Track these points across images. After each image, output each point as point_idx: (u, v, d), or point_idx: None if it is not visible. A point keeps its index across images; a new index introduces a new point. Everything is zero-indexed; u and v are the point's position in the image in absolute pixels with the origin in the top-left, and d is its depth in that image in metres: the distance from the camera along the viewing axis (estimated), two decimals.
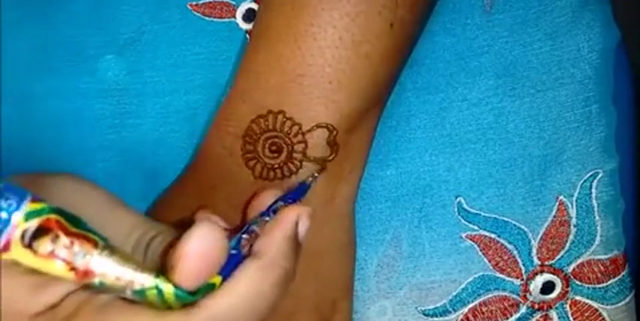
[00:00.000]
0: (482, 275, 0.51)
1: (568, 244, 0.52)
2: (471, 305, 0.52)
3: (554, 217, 0.52)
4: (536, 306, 0.52)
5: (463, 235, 0.51)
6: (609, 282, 0.52)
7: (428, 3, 0.47)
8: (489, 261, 0.51)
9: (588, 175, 0.52)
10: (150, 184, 0.51)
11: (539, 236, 0.52)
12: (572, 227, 0.52)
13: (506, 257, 0.51)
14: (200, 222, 0.34)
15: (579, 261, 0.52)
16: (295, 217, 0.40)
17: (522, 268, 0.51)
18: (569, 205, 0.52)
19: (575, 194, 0.52)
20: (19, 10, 0.51)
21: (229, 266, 0.36)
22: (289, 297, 0.46)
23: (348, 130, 0.45)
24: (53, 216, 0.33)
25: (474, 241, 0.51)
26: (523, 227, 0.51)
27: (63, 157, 0.51)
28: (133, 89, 0.51)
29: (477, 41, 0.51)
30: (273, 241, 0.38)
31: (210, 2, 0.51)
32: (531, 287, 0.52)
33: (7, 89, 0.50)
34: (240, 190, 0.46)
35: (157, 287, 0.34)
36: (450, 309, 0.52)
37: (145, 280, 0.34)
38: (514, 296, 0.52)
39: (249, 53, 0.47)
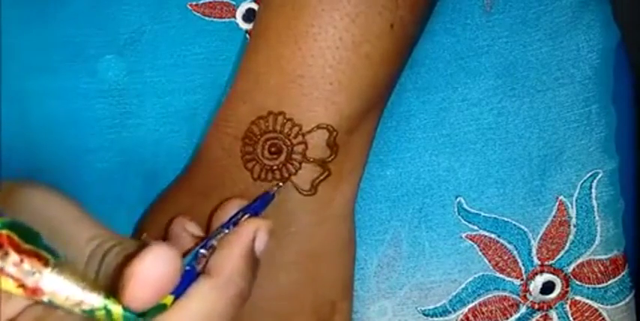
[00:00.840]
0: (482, 275, 0.52)
1: (568, 244, 0.52)
2: (470, 305, 0.52)
3: (554, 217, 0.52)
4: (536, 306, 0.52)
5: (463, 235, 0.51)
6: (609, 282, 0.52)
7: (428, 3, 0.47)
8: (489, 261, 0.51)
9: (588, 175, 0.52)
10: (149, 184, 0.51)
11: (539, 236, 0.52)
12: (572, 227, 0.52)
13: (506, 257, 0.51)
14: (155, 243, 0.34)
15: (579, 261, 0.52)
16: (253, 233, 0.39)
17: (522, 268, 0.52)
18: (569, 205, 0.52)
19: (575, 194, 0.52)
20: (19, 10, 0.50)
21: (183, 284, 0.36)
22: (288, 298, 0.46)
23: (348, 130, 0.45)
24: (5, 231, 0.33)
25: (473, 241, 0.51)
26: (523, 227, 0.51)
27: (63, 158, 0.51)
28: (133, 89, 0.51)
29: (476, 41, 0.51)
30: (229, 258, 0.38)
31: (210, 2, 0.51)
32: (531, 287, 0.52)
33: (7, 89, 0.50)
34: (238, 192, 0.46)
35: (105, 308, 0.34)
36: (450, 309, 0.52)
37: (94, 301, 0.34)
38: (514, 296, 0.52)
39: (249, 54, 0.47)
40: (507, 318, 0.52)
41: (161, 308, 0.35)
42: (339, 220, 0.47)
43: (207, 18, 0.51)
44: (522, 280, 0.52)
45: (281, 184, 0.45)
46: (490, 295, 0.52)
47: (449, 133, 0.51)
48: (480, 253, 0.51)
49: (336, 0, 0.43)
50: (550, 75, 0.52)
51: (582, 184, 0.52)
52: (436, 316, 0.52)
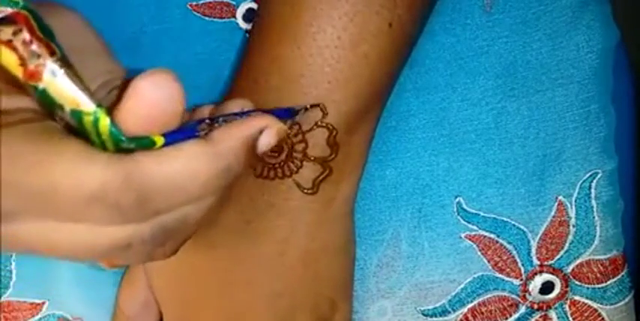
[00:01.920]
0: (482, 275, 0.52)
1: (567, 245, 0.52)
2: (470, 305, 0.52)
3: (554, 217, 0.52)
4: (536, 306, 0.52)
5: (462, 235, 0.51)
6: (608, 282, 0.52)
7: (427, 3, 0.47)
8: (489, 261, 0.51)
9: (587, 175, 0.52)
10: None
11: (539, 236, 0.52)
12: (571, 227, 0.52)
13: (505, 257, 0.51)
14: (168, 72, 0.34)
15: (578, 261, 0.52)
16: (262, 125, 0.38)
17: (522, 268, 0.52)
18: (569, 206, 0.52)
19: (575, 194, 0.52)
20: None
21: (178, 136, 0.35)
22: (288, 297, 0.46)
23: (348, 130, 0.45)
24: (24, 12, 0.32)
25: (473, 241, 0.51)
26: (522, 227, 0.51)
27: None
28: None
29: (476, 41, 0.51)
30: (230, 135, 0.37)
31: (210, 2, 0.51)
32: (530, 287, 0.52)
33: None
34: (238, 190, 0.46)
35: (94, 114, 0.33)
36: (450, 309, 0.52)
37: (86, 104, 0.33)
38: (513, 296, 0.52)
39: (248, 53, 0.47)
40: (507, 318, 0.52)
41: (149, 142, 0.34)
42: (340, 220, 0.47)
43: (207, 18, 0.51)
44: (522, 280, 0.52)
45: (308, 106, 0.45)
46: (489, 295, 0.52)
47: (448, 133, 0.51)
48: (479, 253, 0.51)
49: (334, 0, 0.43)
50: (550, 75, 0.52)
51: (582, 184, 0.52)
52: (435, 316, 0.52)
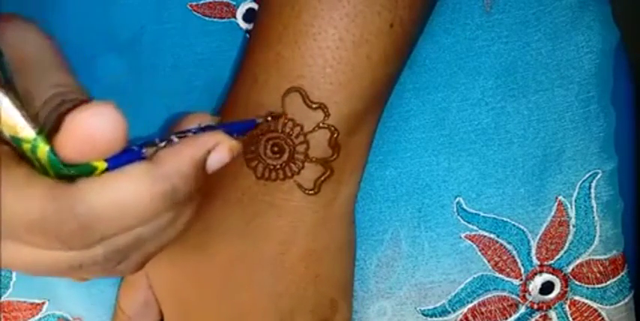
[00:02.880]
0: (482, 275, 0.52)
1: (567, 245, 0.52)
2: (470, 305, 0.52)
3: (554, 217, 0.52)
4: (536, 306, 0.52)
5: (462, 235, 0.51)
6: (608, 282, 0.52)
7: (427, 3, 0.47)
8: (488, 261, 0.51)
9: (587, 175, 0.52)
10: None
11: (539, 236, 0.52)
12: (571, 227, 0.52)
13: (505, 257, 0.51)
14: (107, 103, 0.34)
15: (578, 261, 0.52)
16: (211, 144, 0.38)
17: (521, 268, 0.52)
18: (569, 206, 0.52)
19: (575, 194, 0.52)
20: (18, 10, 0.50)
21: (123, 159, 0.35)
22: (289, 297, 0.46)
23: (349, 131, 0.45)
24: None
25: (473, 241, 0.51)
26: (522, 227, 0.52)
27: None
28: (133, 90, 0.51)
29: (476, 41, 0.51)
30: (176, 155, 0.37)
31: (210, 2, 0.51)
32: (530, 287, 0.52)
33: None
34: (240, 191, 0.46)
35: (33, 142, 0.33)
36: (449, 309, 0.52)
37: (25, 131, 0.33)
38: (513, 296, 0.52)
39: (249, 54, 0.47)
40: (506, 318, 0.52)
41: (89, 169, 0.34)
42: (341, 220, 0.47)
43: (207, 18, 0.51)
44: (521, 280, 0.52)
45: (269, 118, 0.45)
46: (489, 295, 0.52)
47: (448, 133, 0.51)
48: (479, 253, 0.51)
49: (335, 0, 0.43)
50: (549, 75, 0.52)
51: (581, 184, 0.52)
52: (435, 316, 0.52)
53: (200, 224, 0.47)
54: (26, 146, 0.33)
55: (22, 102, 0.34)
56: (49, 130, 0.35)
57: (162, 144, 0.38)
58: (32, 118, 0.34)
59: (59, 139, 0.33)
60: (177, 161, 0.37)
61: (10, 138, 0.34)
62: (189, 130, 0.39)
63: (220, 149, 0.38)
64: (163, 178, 0.36)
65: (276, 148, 0.45)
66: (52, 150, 0.33)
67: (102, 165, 0.34)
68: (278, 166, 0.45)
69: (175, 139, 0.38)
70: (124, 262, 0.39)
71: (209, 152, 0.38)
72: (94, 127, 0.33)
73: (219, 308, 0.48)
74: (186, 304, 0.49)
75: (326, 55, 0.44)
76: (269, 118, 0.45)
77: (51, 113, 0.37)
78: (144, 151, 0.36)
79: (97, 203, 0.34)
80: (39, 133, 0.33)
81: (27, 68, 0.37)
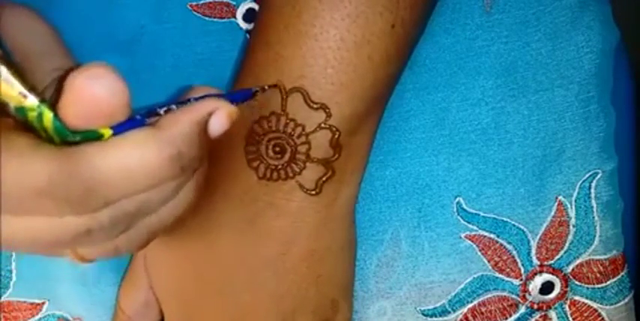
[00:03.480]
0: (482, 275, 0.52)
1: (567, 245, 0.52)
2: (470, 305, 0.52)
3: (554, 217, 0.52)
4: (536, 306, 0.52)
5: (462, 235, 0.51)
6: (608, 282, 0.53)
7: (428, 3, 0.47)
8: (488, 261, 0.51)
9: (587, 175, 0.52)
10: None
11: (539, 236, 0.52)
12: (571, 227, 0.52)
13: (505, 257, 0.51)
14: (104, 65, 0.34)
15: (578, 261, 0.52)
16: (210, 108, 0.38)
17: (521, 268, 0.52)
18: (569, 206, 0.52)
19: (575, 194, 0.52)
20: None
21: (127, 126, 0.35)
22: (291, 297, 0.46)
23: (350, 131, 0.45)
24: None
25: (473, 241, 0.51)
26: (522, 227, 0.52)
27: None
28: (133, 89, 0.51)
29: (476, 41, 0.51)
30: (177, 119, 0.37)
31: (210, 2, 0.51)
32: (530, 287, 0.52)
33: None
34: (241, 191, 0.46)
35: (37, 110, 0.33)
36: (449, 309, 0.52)
37: (29, 100, 0.33)
38: (513, 296, 0.52)
39: (249, 54, 0.47)
40: (506, 318, 0.52)
41: (95, 135, 0.34)
42: (342, 220, 0.47)
43: (207, 18, 0.51)
44: (521, 280, 0.52)
45: (267, 87, 0.45)
46: (489, 295, 0.52)
47: (448, 133, 0.51)
48: (479, 253, 0.51)
49: (336, 0, 0.43)
50: (549, 75, 0.52)
51: (581, 184, 0.52)
52: (435, 316, 0.52)
53: (202, 224, 0.47)
54: (31, 115, 0.33)
55: (23, 74, 0.34)
56: (52, 100, 0.35)
57: (163, 112, 0.38)
58: (34, 89, 0.34)
59: (62, 104, 0.34)
60: (180, 125, 0.37)
61: (15, 110, 0.34)
62: (188, 100, 0.39)
63: (219, 113, 0.38)
64: (168, 141, 0.36)
65: (277, 149, 0.45)
66: (57, 116, 0.33)
67: (107, 132, 0.34)
68: (280, 167, 0.45)
69: (175, 107, 0.38)
70: (129, 234, 0.38)
71: (209, 115, 0.38)
72: (94, 90, 0.33)
73: (221, 308, 0.48)
74: (187, 305, 0.49)
75: (327, 56, 0.44)
76: (266, 88, 0.45)
77: (53, 95, 0.37)
78: (147, 120, 0.37)
79: (102, 166, 0.34)
80: (42, 101, 0.33)
81: (28, 53, 0.37)
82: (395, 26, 0.44)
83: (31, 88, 0.34)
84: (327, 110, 0.44)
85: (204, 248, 0.47)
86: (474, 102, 0.51)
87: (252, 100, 0.44)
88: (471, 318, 0.52)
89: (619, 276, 0.53)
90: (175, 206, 0.40)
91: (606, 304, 0.53)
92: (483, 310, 0.52)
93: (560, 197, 0.52)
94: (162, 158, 0.36)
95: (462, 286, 0.52)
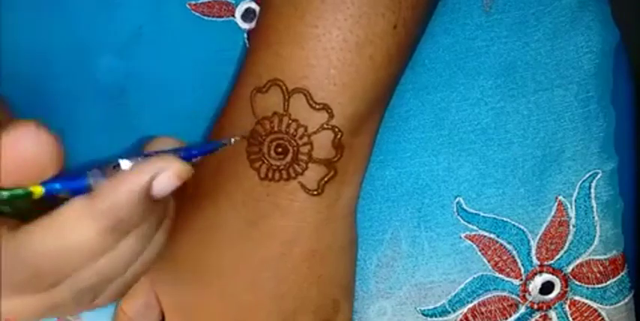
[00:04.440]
0: (482, 275, 0.52)
1: (567, 245, 0.52)
2: (470, 305, 0.52)
3: (554, 217, 0.52)
4: (536, 306, 0.52)
5: (462, 235, 0.51)
6: (608, 282, 0.53)
7: (430, 4, 0.47)
8: (488, 261, 0.52)
9: (587, 175, 0.52)
10: None
11: (539, 236, 0.52)
12: (571, 227, 0.52)
13: (505, 257, 0.52)
14: (31, 123, 0.34)
15: (578, 261, 0.52)
16: (155, 170, 0.36)
17: (521, 268, 0.52)
18: (569, 206, 0.52)
19: (575, 194, 0.52)
20: (19, 11, 0.50)
21: (62, 184, 0.35)
22: (292, 298, 0.46)
23: (352, 131, 0.45)
24: None
25: (473, 241, 0.51)
26: (522, 227, 0.52)
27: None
28: (132, 89, 0.51)
29: (476, 41, 0.51)
30: (114, 189, 0.36)
31: (209, 1, 0.51)
32: (530, 287, 0.52)
33: (7, 89, 0.50)
34: (243, 191, 0.46)
35: None
36: (449, 309, 0.52)
37: None
38: (513, 296, 0.52)
39: (251, 54, 0.47)
40: (506, 318, 0.52)
41: (24, 193, 0.34)
42: (343, 220, 0.47)
43: (206, 17, 0.51)
44: (521, 280, 0.52)
45: (233, 140, 0.44)
46: (489, 295, 0.52)
47: (448, 133, 0.51)
48: (479, 253, 0.51)
49: (339, 1, 0.43)
50: (549, 75, 0.52)
51: (581, 184, 0.52)
52: (435, 316, 0.52)
53: (203, 224, 0.47)
54: None
55: None
56: None
57: (110, 168, 0.37)
58: None
59: None
60: (118, 194, 0.36)
61: None
62: (144, 155, 0.38)
63: (167, 175, 0.37)
64: (104, 213, 0.35)
65: (280, 149, 0.45)
66: None
67: (38, 189, 0.34)
68: (282, 167, 0.45)
69: (122, 163, 0.37)
70: (101, 297, 0.39)
71: (152, 179, 0.37)
72: (20, 149, 0.33)
73: (222, 309, 0.47)
74: (188, 305, 0.49)
75: (330, 57, 0.44)
76: (238, 138, 0.45)
77: None
78: (89, 180, 0.36)
79: (41, 248, 0.34)
80: None
81: None
82: (397, 27, 0.44)
83: None
84: (330, 111, 0.44)
85: (206, 249, 0.47)
86: (473, 102, 0.51)
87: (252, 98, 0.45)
88: (470, 318, 0.52)
89: (619, 276, 0.53)
90: (144, 258, 0.40)
91: (606, 304, 0.53)
92: (483, 310, 0.52)
93: (560, 197, 0.52)
94: (99, 231, 0.35)
95: (462, 286, 0.52)
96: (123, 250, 0.37)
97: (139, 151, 0.40)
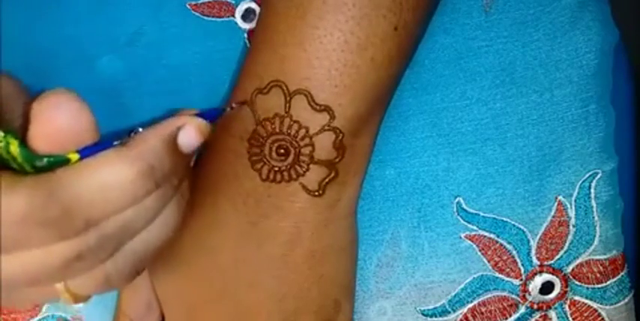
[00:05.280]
0: (482, 275, 0.52)
1: (567, 245, 0.52)
2: (470, 305, 0.52)
3: (553, 217, 0.52)
4: (535, 306, 0.52)
5: (462, 235, 0.51)
6: (608, 282, 0.53)
7: (430, 5, 0.47)
8: (488, 261, 0.52)
9: (587, 175, 0.52)
10: None
11: (538, 236, 0.52)
12: (571, 227, 0.52)
13: (505, 257, 0.52)
14: (65, 91, 0.35)
15: (578, 261, 0.52)
16: (178, 123, 0.39)
17: (521, 268, 0.52)
18: (568, 206, 0.52)
19: (574, 194, 0.52)
20: (19, 10, 0.50)
21: (93, 149, 0.36)
22: (293, 298, 0.46)
23: (353, 132, 0.45)
24: None
25: (473, 241, 0.51)
26: (522, 227, 0.52)
27: None
28: (132, 89, 0.51)
29: (475, 41, 0.51)
30: (144, 137, 0.38)
31: (209, 2, 0.51)
32: (530, 287, 0.52)
33: None
34: (245, 193, 0.46)
35: (4, 140, 0.34)
36: (449, 309, 0.52)
37: None
38: (513, 296, 0.52)
39: (251, 55, 0.47)
40: (506, 318, 0.52)
41: (63, 159, 0.35)
42: (344, 221, 0.47)
43: (206, 17, 0.51)
44: (521, 280, 0.52)
45: (234, 105, 0.46)
46: (489, 295, 0.52)
47: (447, 133, 0.51)
48: (479, 253, 0.51)
49: (340, 3, 0.43)
50: (549, 75, 0.52)
51: (581, 184, 0.52)
52: (435, 316, 0.52)
53: (204, 225, 0.47)
54: None
55: None
56: (21, 130, 0.36)
57: (132, 134, 0.39)
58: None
59: (30, 134, 0.35)
60: (148, 142, 0.38)
61: None
62: (155, 122, 0.40)
63: (188, 128, 0.39)
64: (137, 157, 0.37)
65: (281, 150, 0.45)
66: (22, 143, 0.35)
67: (74, 156, 0.36)
68: (283, 168, 0.45)
69: (141, 129, 0.39)
70: (117, 260, 0.39)
71: (178, 130, 0.39)
72: (56, 117, 0.35)
73: (223, 309, 0.48)
74: (189, 305, 0.49)
75: (331, 58, 0.44)
76: (233, 105, 0.46)
77: (21, 125, 0.37)
78: (115, 142, 0.38)
79: (77, 187, 0.35)
80: (6, 132, 0.35)
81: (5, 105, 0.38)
82: (398, 28, 0.44)
83: None
84: (331, 112, 0.44)
85: (206, 249, 0.47)
86: (473, 102, 0.51)
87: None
88: (470, 318, 0.52)
89: (619, 276, 0.53)
90: (159, 228, 0.40)
91: (606, 304, 0.53)
92: (483, 310, 0.52)
93: (559, 197, 0.52)
94: (134, 173, 0.36)
95: (462, 286, 0.52)
96: (148, 203, 0.38)
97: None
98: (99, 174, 0.36)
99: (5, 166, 0.36)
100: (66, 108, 0.35)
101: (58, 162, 0.35)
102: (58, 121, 0.35)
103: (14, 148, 0.34)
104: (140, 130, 0.39)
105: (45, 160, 0.35)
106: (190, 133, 0.39)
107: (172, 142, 0.39)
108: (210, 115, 0.42)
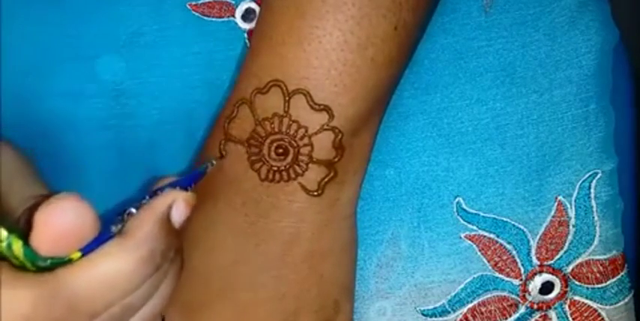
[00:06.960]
0: (482, 275, 0.52)
1: (567, 245, 0.52)
2: (470, 305, 0.52)
3: (553, 217, 0.52)
4: (535, 306, 0.52)
5: (462, 235, 0.51)
6: (608, 282, 0.53)
7: (430, 5, 0.47)
8: (488, 261, 0.52)
9: (587, 175, 0.52)
10: (148, 184, 0.51)
11: (538, 236, 0.52)
12: (571, 227, 0.52)
13: (505, 257, 0.52)
14: (67, 194, 0.35)
15: (578, 261, 0.52)
16: (169, 201, 0.39)
17: (521, 268, 0.52)
18: (568, 206, 0.52)
19: (574, 194, 0.52)
20: (19, 10, 0.50)
21: (95, 243, 0.37)
22: (293, 298, 0.46)
23: (352, 132, 0.45)
24: None
25: (472, 242, 0.51)
26: (522, 227, 0.52)
27: (61, 158, 0.51)
28: (132, 89, 0.51)
29: (475, 41, 0.51)
30: (140, 221, 0.38)
31: (209, 2, 0.51)
32: (530, 287, 0.52)
33: (7, 89, 0.50)
34: (244, 193, 0.46)
35: (6, 240, 0.35)
36: (449, 309, 0.52)
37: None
38: (513, 296, 0.52)
39: (252, 56, 0.47)
40: (506, 318, 0.52)
41: (65, 261, 0.36)
42: (344, 220, 0.47)
43: (206, 18, 0.51)
44: (521, 280, 0.52)
45: (214, 161, 0.46)
46: (489, 295, 0.52)
47: (447, 133, 0.51)
48: (479, 253, 0.51)
49: (340, 2, 0.43)
50: (549, 75, 0.52)
51: (581, 184, 0.52)
52: (435, 316, 0.52)
53: (204, 226, 0.47)
54: (1, 246, 0.35)
55: None
56: (24, 224, 0.37)
57: (125, 217, 0.39)
58: (5, 220, 0.36)
59: (33, 235, 0.35)
60: (144, 227, 0.38)
61: None
62: (144, 198, 0.41)
63: (178, 204, 0.40)
64: (137, 246, 0.37)
65: (280, 150, 0.45)
66: (26, 245, 0.35)
67: (77, 255, 0.36)
68: (282, 168, 0.45)
69: (134, 210, 0.40)
70: None
71: (169, 209, 0.39)
72: (62, 222, 0.35)
73: (223, 309, 0.47)
74: (188, 306, 0.48)
75: (331, 57, 0.44)
76: (213, 162, 0.46)
77: (24, 224, 0.38)
78: (112, 229, 0.38)
79: (81, 284, 0.36)
80: (11, 232, 0.35)
81: (4, 182, 0.39)
82: (397, 28, 0.44)
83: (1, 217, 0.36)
84: (330, 112, 0.44)
85: (206, 249, 0.47)
86: (473, 102, 0.51)
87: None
88: (470, 318, 0.52)
89: (619, 276, 0.53)
90: (157, 300, 0.41)
91: (606, 304, 0.53)
92: (483, 310, 0.52)
93: (559, 197, 0.52)
94: (135, 262, 0.37)
95: (462, 286, 0.52)
96: (146, 284, 0.39)
97: (144, 192, 0.42)
98: (101, 268, 0.36)
99: (2, 258, 0.36)
100: (72, 213, 0.35)
101: (61, 263, 0.36)
102: (63, 226, 0.35)
103: (17, 247, 0.35)
104: (133, 211, 0.39)
105: (49, 261, 0.36)
106: (181, 209, 0.40)
107: (167, 221, 0.39)
108: (190, 180, 0.44)
